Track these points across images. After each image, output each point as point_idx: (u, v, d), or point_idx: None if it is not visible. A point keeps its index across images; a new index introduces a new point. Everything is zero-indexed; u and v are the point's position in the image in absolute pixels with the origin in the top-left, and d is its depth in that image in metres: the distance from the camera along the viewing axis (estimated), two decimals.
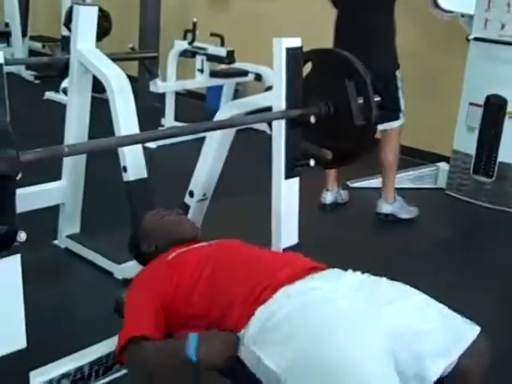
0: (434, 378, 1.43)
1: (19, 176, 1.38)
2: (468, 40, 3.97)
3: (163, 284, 1.75)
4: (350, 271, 1.67)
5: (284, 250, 2.23)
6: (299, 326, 1.44)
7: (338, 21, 3.60)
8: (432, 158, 4.52)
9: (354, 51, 3.45)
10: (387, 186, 3.71)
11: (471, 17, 3.99)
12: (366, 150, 2.30)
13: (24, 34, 6.75)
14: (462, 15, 4.13)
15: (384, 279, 1.63)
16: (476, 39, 3.92)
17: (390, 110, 3.52)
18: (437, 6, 4.07)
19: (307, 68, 2.30)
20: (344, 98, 2.18)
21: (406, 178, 4.24)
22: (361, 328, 1.42)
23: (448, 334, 1.49)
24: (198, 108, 5.80)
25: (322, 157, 2.26)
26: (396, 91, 3.54)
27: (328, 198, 3.88)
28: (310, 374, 1.37)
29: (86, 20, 2.78)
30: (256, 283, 1.60)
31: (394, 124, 3.61)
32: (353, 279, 1.61)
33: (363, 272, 1.69)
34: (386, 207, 3.69)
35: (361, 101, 2.18)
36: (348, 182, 4.21)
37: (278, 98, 2.20)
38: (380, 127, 3.55)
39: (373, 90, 2.19)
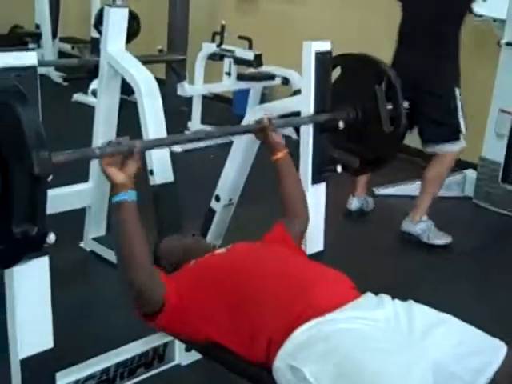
0: None
1: (50, 177, 1.38)
2: (500, 45, 3.92)
3: (184, 282, 1.75)
4: (385, 297, 1.65)
5: (309, 256, 2.22)
6: (341, 344, 1.45)
7: (404, 19, 3.44)
8: (459, 165, 4.46)
9: (417, 58, 3.34)
10: (420, 204, 3.50)
11: (503, 21, 3.94)
12: (394, 156, 2.28)
13: (54, 36, 6.83)
14: (494, 20, 4.08)
15: (415, 305, 1.62)
16: (508, 44, 3.87)
17: (448, 131, 3.39)
18: (469, 10, 4.02)
19: (336, 73, 2.29)
20: (373, 104, 2.17)
21: None
22: (399, 359, 1.42)
23: (481, 355, 1.50)
24: (224, 111, 5.81)
25: (350, 163, 2.25)
26: (455, 109, 3.38)
27: (354, 204, 3.82)
28: None
29: (117, 22, 2.79)
30: (290, 303, 1.59)
31: (452, 147, 3.42)
32: (390, 308, 1.59)
33: (388, 289, 1.69)
34: (409, 226, 3.51)
35: (390, 107, 2.16)
36: (374, 189, 4.17)
37: (306, 103, 2.20)
38: (435, 148, 3.43)
39: (402, 97, 2.16)
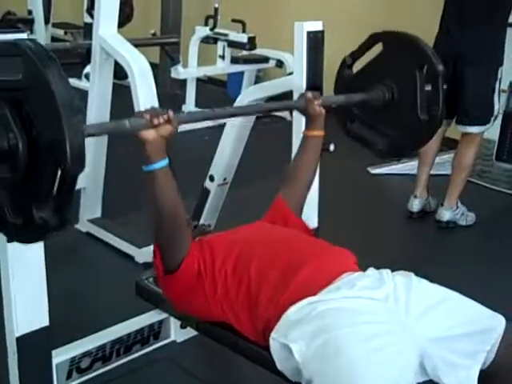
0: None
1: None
2: None
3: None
4: (385, 273, 1.63)
5: None
6: (330, 325, 1.45)
7: None
8: (452, 144, 4.46)
9: (463, 27, 3.17)
10: (454, 192, 3.44)
11: None
12: (425, 144, 2.23)
13: (47, 21, 6.76)
14: None
15: (415, 281, 1.60)
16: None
17: (482, 113, 3.32)
18: None
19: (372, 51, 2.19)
20: (411, 87, 2.05)
21: None
22: (384, 344, 1.41)
23: (479, 335, 1.50)
24: (218, 94, 5.80)
25: (379, 145, 2.18)
26: (492, 92, 3.28)
27: (416, 205, 3.56)
28: (325, 370, 1.40)
29: (109, 5, 2.80)
30: (285, 282, 1.59)
31: (480, 129, 3.37)
32: (389, 286, 1.57)
33: (393, 266, 1.68)
34: (448, 214, 3.44)
35: (428, 88, 2.05)
36: (369, 168, 4.18)
37: (298, 82, 2.20)
38: (463, 129, 3.37)
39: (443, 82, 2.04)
